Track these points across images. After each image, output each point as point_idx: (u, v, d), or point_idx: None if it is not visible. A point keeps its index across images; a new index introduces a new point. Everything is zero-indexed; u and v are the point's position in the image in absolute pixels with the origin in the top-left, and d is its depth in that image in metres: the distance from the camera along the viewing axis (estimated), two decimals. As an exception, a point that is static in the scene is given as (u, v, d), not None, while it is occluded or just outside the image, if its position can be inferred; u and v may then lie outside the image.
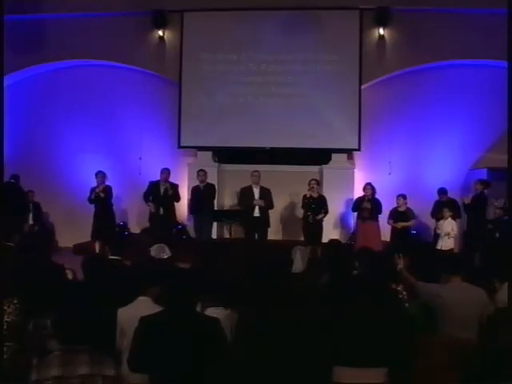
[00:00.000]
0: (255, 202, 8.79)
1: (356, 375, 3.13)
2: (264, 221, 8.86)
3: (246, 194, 8.95)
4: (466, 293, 3.91)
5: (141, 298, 3.67)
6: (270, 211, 9.02)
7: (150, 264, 4.40)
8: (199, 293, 3.18)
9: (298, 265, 5.23)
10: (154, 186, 9.23)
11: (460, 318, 3.80)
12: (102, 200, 9.25)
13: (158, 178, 9.24)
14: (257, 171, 9.04)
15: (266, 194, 8.88)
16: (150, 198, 9.16)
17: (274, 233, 9.49)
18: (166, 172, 9.20)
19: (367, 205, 8.85)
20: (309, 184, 8.94)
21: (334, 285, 4.09)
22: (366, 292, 3.39)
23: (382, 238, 8.95)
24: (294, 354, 3.04)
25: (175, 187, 9.22)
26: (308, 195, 8.89)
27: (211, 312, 3.43)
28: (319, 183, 9.30)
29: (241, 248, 7.93)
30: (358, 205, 9.07)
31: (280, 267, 3.99)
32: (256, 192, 8.89)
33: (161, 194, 9.07)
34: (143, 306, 3.49)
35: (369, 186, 9.01)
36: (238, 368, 3.06)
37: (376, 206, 8.88)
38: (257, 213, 8.81)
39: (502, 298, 3.90)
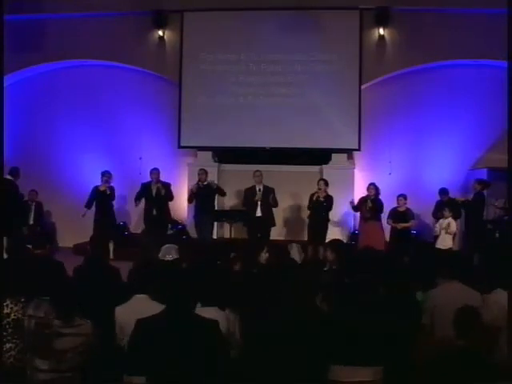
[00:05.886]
0: (256, 198, 8.78)
1: (351, 373, 3.16)
2: (267, 220, 8.80)
3: (248, 194, 8.95)
4: (460, 295, 3.91)
5: (137, 295, 3.68)
6: (273, 210, 8.97)
7: (149, 265, 4.37)
8: (197, 293, 3.17)
9: (296, 259, 5.29)
10: (145, 187, 9.15)
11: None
12: (104, 200, 9.24)
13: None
14: (258, 171, 9.02)
15: (269, 192, 8.83)
16: (141, 199, 9.10)
17: (275, 233, 9.47)
18: (155, 172, 9.10)
19: (369, 204, 8.84)
20: (318, 184, 8.92)
21: (336, 284, 4.09)
22: (364, 291, 3.40)
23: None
24: (291, 353, 3.05)
25: (167, 186, 9.14)
26: (315, 197, 8.86)
27: (207, 312, 3.41)
28: (327, 183, 9.04)
29: (240, 248, 7.93)
30: (360, 204, 9.06)
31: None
32: (259, 191, 8.87)
33: (153, 195, 9.02)
34: (140, 304, 3.51)
35: (372, 186, 8.99)
36: (236, 368, 3.06)
37: (377, 206, 8.88)
38: (259, 213, 8.78)
39: (494, 301, 3.90)
